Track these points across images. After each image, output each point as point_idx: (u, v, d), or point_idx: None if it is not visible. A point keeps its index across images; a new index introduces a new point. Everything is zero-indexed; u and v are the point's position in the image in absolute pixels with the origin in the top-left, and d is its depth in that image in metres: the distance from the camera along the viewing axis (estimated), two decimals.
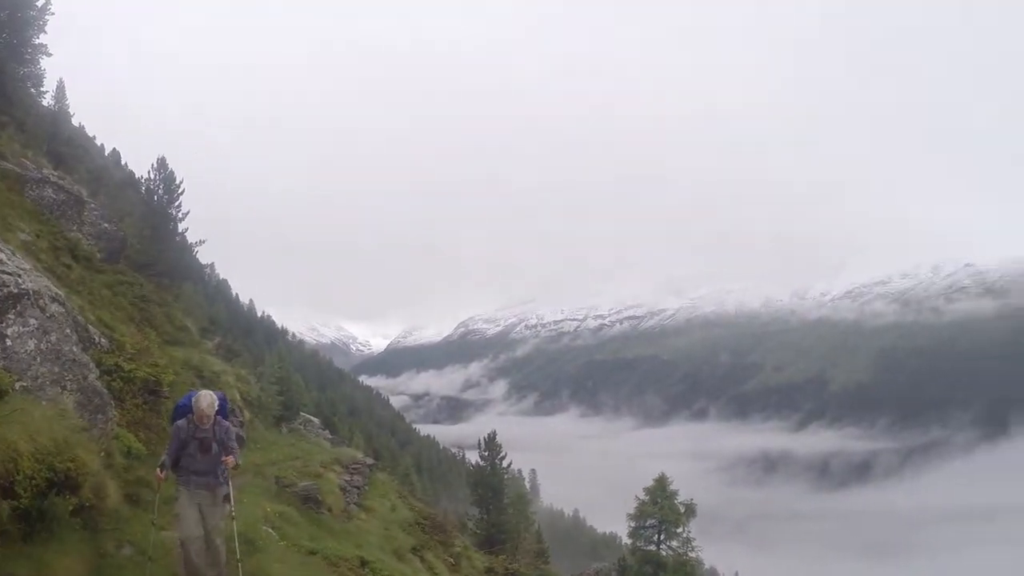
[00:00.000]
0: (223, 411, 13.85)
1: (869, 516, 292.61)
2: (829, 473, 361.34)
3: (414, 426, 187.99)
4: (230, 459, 13.54)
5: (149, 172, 50.87)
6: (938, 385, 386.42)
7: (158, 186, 50.13)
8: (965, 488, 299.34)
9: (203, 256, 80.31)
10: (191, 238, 55.64)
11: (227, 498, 13.75)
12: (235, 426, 16.72)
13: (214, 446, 13.33)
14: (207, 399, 13.27)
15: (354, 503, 33.51)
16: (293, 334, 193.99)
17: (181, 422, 13.39)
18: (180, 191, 50.62)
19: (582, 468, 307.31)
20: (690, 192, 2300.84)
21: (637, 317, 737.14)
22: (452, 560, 35.88)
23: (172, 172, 50.40)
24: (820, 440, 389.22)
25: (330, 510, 29.07)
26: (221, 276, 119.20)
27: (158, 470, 13.23)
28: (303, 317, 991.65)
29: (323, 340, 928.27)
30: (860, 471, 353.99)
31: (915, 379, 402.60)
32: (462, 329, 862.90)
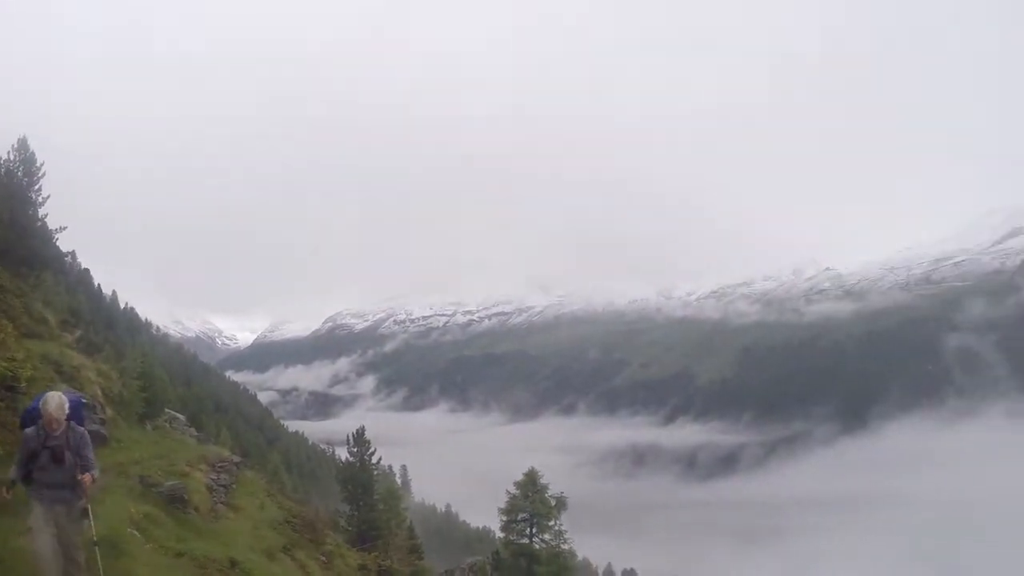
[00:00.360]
0: (77, 415, 12.61)
1: (735, 505, 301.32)
2: (696, 465, 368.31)
3: (282, 422, 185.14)
4: (87, 477, 12.30)
5: (8, 153, 48.51)
6: (799, 381, 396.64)
7: (17, 168, 47.89)
8: (826, 478, 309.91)
9: (64, 243, 77.00)
10: (52, 224, 52.91)
11: (85, 512, 12.75)
12: (96, 424, 15.78)
13: (67, 455, 12.12)
14: (55, 401, 12.08)
15: (222, 502, 32.50)
16: (157, 327, 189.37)
17: (30, 430, 12.24)
18: (41, 174, 48.49)
19: (453, 463, 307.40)
20: (558, 191, 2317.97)
21: (506, 313, 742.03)
22: (324, 558, 35.20)
23: (33, 154, 48.19)
24: (687, 434, 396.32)
25: (197, 510, 28.10)
26: (83, 265, 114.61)
27: (3, 489, 12.15)
28: (167, 309, 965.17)
29: (188, 334, 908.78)
30: (726, 463, 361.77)
31: (778, 375, 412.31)
32: (330, 324, 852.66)
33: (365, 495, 55.06)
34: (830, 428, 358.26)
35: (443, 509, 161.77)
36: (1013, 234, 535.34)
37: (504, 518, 51.76)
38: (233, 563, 21.88)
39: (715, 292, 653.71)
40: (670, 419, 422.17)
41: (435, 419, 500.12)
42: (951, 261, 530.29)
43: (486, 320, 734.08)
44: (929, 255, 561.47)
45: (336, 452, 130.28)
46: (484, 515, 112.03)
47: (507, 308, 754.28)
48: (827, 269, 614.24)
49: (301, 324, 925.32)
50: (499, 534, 55.84)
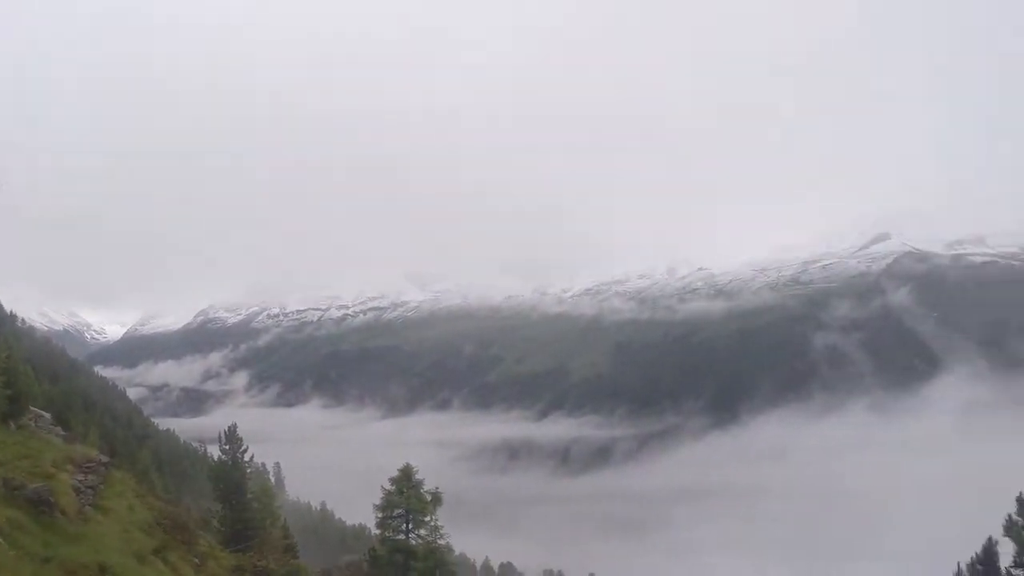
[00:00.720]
0: None
1: (609, 498, 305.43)
2: (570, 459, 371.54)
3: (153, 419, 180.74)
4: None
5: None
6: (672, 377, 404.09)
7: None
8: (697, 470, 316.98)
9: None
10: None
11: None
12: None
13: None
14: None
15: (89, 504, 31.31)
16: (22, 319, 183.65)
17: None
18: None
19: (327, 460, 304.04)
20: (431, 186, 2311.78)
21: (380, 308, 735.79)
22: (197, 560, 34.28)
23: None
24: (561, 428, 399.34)
25: (64, 513, 27.03)
26: None
27: None
28: (34, 301, 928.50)
29: (55, 327, 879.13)
30: (600, 456, 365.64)
31: (650, 371, 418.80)
32: (202, 318, 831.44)
33: (238, 494, 54.03)
34: (701, 422, 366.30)
35: (318, 507, 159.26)
36: (878, 240, 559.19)
37: (380, 515, 50.73)
38: (103, 568, 21.11)
39: (590, 290, 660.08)
40: (544, 414, 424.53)
41: (309, 415, 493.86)
42: (819, 264, 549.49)
43: (361, 315, 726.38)
44: (798, 258, 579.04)
45: (208, 450, 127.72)
46: (360, 512, 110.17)
47: (382, 303, 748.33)
48: (700, 269, 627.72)
49: (172, 317, 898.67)
50: (375, 531, 55.27)
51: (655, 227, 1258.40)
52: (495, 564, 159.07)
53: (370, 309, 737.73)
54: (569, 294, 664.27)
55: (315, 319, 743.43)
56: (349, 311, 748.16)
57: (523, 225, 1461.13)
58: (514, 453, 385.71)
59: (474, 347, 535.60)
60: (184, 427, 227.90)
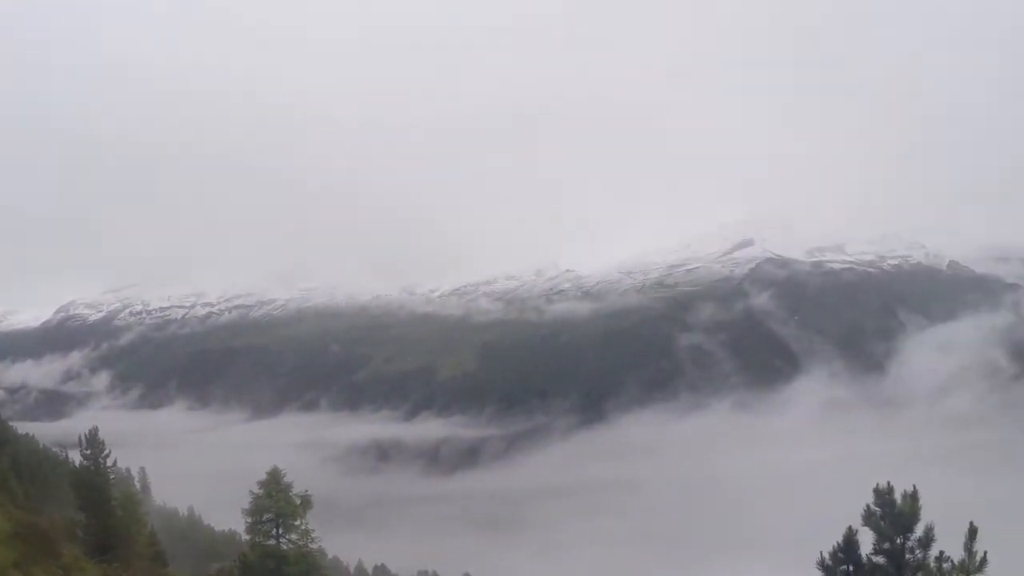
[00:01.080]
0: None
1: (480, 497, 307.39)
2: (440, 459, 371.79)
3: (11, 423, 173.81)
4: None
5: None
6: (540, 377, 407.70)
7: None
8: (566, 468, 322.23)
9: None
10: None
11: None
12: None
13: None
14: None
15: None
16: None
17: None
18: None
19: (194, 464, 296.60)
20: (299, 184, 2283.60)
21: (247, 306, 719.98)
22: (61, 572, 32.85)
23: None
24: (430, 428, 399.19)
25: None
26: None
27: None
28: None
29: None
30: (469, 456, 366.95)
31: (518, 371, 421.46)
32: (62, 314, 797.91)
33: (102, 501, 52.44)
34: (569, 421, 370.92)
35: (186, 513, 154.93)
36: (742, 245, 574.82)
37: (249, 519, 50.49)
38: None
39: (458, 290, 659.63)
40: (413, 414, 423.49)
41: (174, 418, 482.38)
42: (684, 268, 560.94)
43: (227, 313, 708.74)
44: (665, 261, 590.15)
45: (70, 455, 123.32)
46: (229, 517, 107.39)
47: (248, 301, 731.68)
48: (568, 271, 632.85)
49: (31, 313, 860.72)
50: (245, 536, 54.54)
51: (523, 229, 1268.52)
52: (369, 567, 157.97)
53: (236, 307, 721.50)
54: (437, 294, 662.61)
55: (179, 317, 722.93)
56: (214, 309, 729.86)
57: (392, 224, 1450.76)
58: (384, 454, 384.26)
59: (341, 347, 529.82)
60: (44, 431, 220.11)
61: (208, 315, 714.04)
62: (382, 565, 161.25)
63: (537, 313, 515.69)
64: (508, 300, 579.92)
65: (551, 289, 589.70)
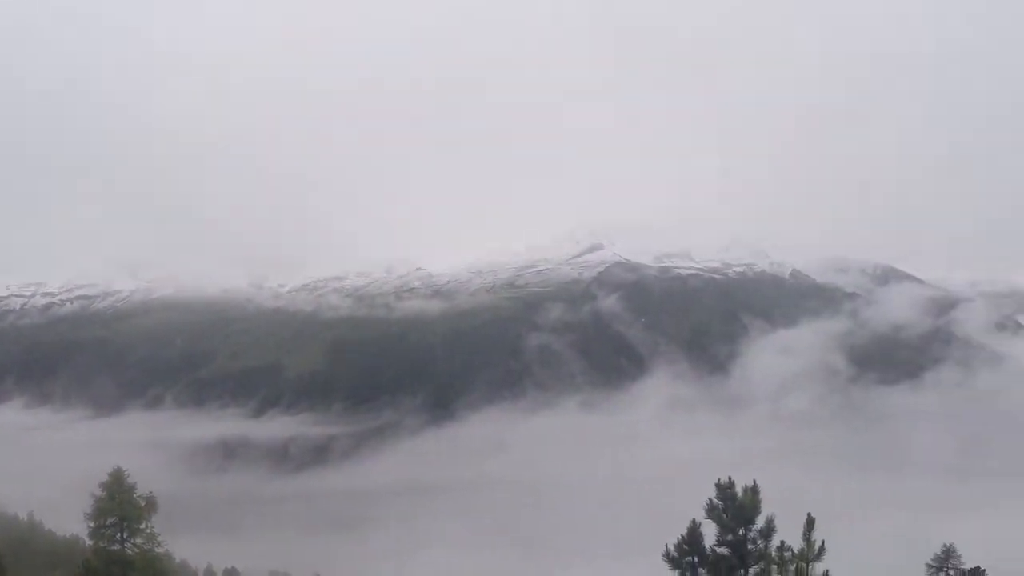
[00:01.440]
0: None
1: (329, 495, 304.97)
2: (288, 457, 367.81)
3: None
4: None
5: None
6: (389, 374, 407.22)
7: None
8: (415, 466, 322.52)
9: None
10: None
11: None
12: None
13: None
14: None
15: None
16: None
17: None
18: None
19: (33, 465, 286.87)
20: (146, 171, 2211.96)
21: (90, 297, 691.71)
22: None
23: None
24: (278, 426, 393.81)
25: None
26: None
27: None
28: None
29: None
30: (318, 454, 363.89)
31: (368, 368, 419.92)
32: None
33: None
34: (419, 419, 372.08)
35: (26, 517, 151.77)
36: (591, 249, 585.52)
37: (92, 524, 50.41)
38: None
39: (307, 285, 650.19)
40: (260, 411, 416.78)
41: (10, 415, 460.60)
42: (534, 269, 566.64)
43: (68, 303, 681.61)
44: (515, 262, 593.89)
45: None
46: (72, 522, 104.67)
47: (92, 291, 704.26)
48: (418, 269, 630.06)
49: None
50: (88, 542, 53.92)
51: (374, 225, 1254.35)
52: (219, 569, 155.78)
53: (78, 297, 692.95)
54: (286, 289, 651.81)
55: (17, 307, 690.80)
56: (55, 299, 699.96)
57: (242, 216, 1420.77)
58: (231, 452, 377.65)
59: (187, 341, 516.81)
60: None
61: (48, 305, 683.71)
62: (232, 568, 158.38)
63: (387, 310, 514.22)
64: (358, 297, 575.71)
65: (401, 287, 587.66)
